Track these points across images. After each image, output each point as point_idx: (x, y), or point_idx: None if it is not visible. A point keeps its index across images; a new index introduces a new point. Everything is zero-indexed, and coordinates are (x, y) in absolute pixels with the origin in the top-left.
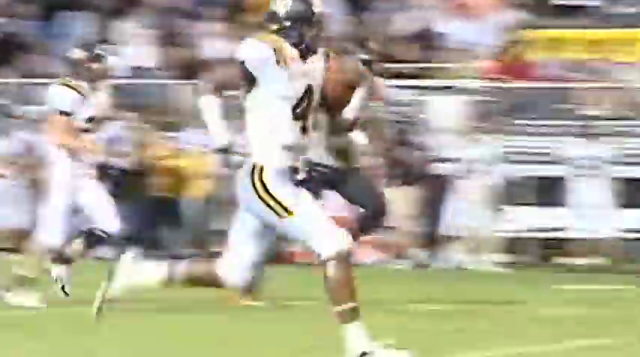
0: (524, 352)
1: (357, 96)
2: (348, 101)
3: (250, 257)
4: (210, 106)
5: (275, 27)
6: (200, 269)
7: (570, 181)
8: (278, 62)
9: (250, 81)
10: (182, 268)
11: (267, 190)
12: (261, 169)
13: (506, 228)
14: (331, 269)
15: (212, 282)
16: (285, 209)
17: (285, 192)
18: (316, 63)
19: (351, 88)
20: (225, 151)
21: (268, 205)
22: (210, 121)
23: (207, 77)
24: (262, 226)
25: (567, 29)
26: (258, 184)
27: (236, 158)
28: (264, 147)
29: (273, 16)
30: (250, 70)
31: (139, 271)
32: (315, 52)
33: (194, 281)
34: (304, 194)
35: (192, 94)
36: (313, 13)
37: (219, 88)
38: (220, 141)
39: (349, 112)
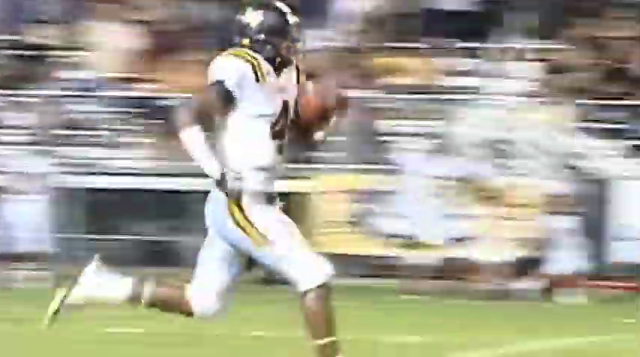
0: None
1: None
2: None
3: (221, 284)
4: (194, 138)
5: (246, 41)
6: (166, 292)
7: None
8: (257, 79)
9: (228, 102)
10: (148, 288)
11: (244, 216)
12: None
13: None
14: (310, 302)
15: (177, 308)
16: (263, 237)
17: (263, 217)
18: (289, 77)
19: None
20: (222, 181)
21: (244, 231)
22: (199, 156)
23: (183, 106)
24: (234, 252)
25: None
26: (234, 209)
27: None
28: (241, 169)
29: (243, 29)
30: (230, 89)
31: (102, 285)
32: (288, 65)
33: (159, 305)
34: (282, 218)
35: None
36: (288, 24)
37: (199, 116)
38: (216, 174)
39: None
